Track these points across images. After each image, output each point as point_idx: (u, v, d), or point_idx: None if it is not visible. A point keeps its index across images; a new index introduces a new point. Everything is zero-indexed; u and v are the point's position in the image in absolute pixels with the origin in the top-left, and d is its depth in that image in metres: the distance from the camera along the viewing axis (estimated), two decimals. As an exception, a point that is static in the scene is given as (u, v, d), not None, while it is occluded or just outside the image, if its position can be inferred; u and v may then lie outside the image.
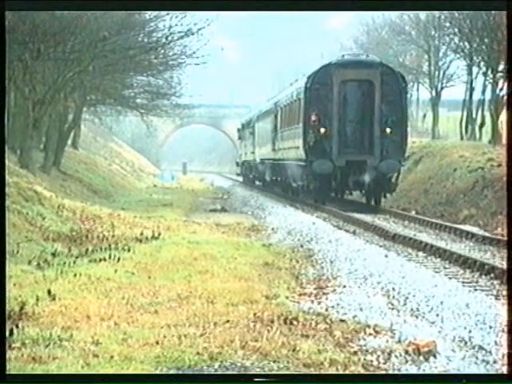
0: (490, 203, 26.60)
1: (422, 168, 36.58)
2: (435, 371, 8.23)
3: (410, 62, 57.35)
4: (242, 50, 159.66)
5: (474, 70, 44.86)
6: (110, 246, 15.85)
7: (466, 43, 42.08)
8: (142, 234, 17.93)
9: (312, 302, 11.59)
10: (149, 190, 44.51)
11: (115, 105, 45.72)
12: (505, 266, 14.10)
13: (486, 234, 20.87)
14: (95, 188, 35.35)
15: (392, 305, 11.48)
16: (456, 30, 42.03)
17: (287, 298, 11.64)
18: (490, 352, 8.90)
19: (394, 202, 32.57)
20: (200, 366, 8.11)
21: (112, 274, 12.49)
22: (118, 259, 13.93)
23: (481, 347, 9.10)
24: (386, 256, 16.67)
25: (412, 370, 8.24)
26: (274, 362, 8.28)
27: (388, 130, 28.17)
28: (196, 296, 11.21)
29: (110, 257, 14.09)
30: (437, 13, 43.95)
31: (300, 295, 12.11)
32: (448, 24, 43.77)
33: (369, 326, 9.82)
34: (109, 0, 10.86)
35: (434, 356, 8.66)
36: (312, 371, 8.04)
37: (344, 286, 12.92)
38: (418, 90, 61.06)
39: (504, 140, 34.33)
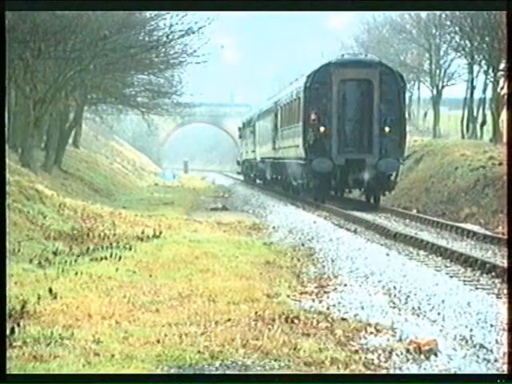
0: (491, 202, 26.61)
1: (423, 167, 36.58)
2: (436, 370, 8.23)
3: (411, 61, 57.35)
4: (243, 48, 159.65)
5: (475, 68, 44.89)
6: (111, 244, 15.85)
7: (467, 42, 42.08)
8: (143, 232, 17.93)
9: (313, 300, 11.59)
10: (150, 188, 44.51)
11: (116, 103, 45.74)
12: (506, 265, 14.11)
13: (487, 233, 20.87)
14: (96, 187, 35.36)
15: (393, 303, 11.48)
16: (457, 28, 42.06)
17: (288, 296, 11.64)
18: (491, 351, 8.90)
19: (395, 200, 32.59)
20: (201, 365, 8.10)
21: (113, 273, 12.50)
22: (120, 258, 13.93)
23: (482, 346, 9.09)
24: (387, 255, 16.67)
25: (413, 368, 8.24)
26: (275, 360, 8.28)
27: (387, 129, 28.35)
28: (197, 295, 11.21)
29: (111, 255, 14.10)
30: (437, 11, 43.96)
31: (301, 294, 12.11)
32: (449, 22, 43.79)
33: (370, 325, 9.82)
34: (109, 0, 10.86)
35: (435, 355, 8.65)
36: (313, 370, 8.04)
37: (345, 285, 12.92)
38: (419, 88, 61.09)
39: (505, 138, 34.32)
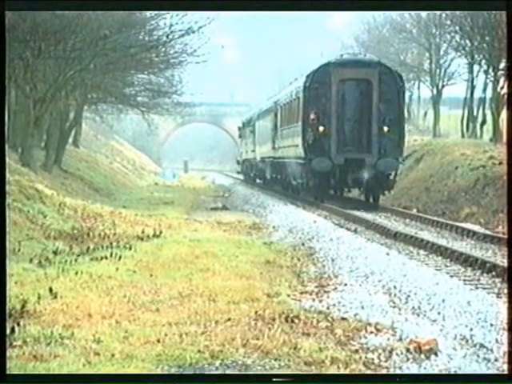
0: (491, 201, 26.60)
1: (423, 166, 36.57)
2: (436, 369, 8.23)
3: (411, 60, 57.34)
4: (243, 48, 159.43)
5: (475, 68, 44.88)
6: (111, 244, 15.84)
7: (467, 41, 42.07)
8: (143, 232, 17.93)
9: (313, 300, 11.59)
10: (150, 188, 44.50)
11: (116, 103, 45.73)
12: (506, 264, 14.10)
13: (488, 232, 20.86)
14: (96, 186, 35.35)
15: (393, 303, 11.48)
16: (457, 28, 42.05)
17: (288, 296, 11.64)
18: (492, 350, 8.91)
19: (396, 200, 32.59)
20: (201, 364, 8.11)
21: (113, 272, 12.49)
22: (120, 257, 13.93)
23: (482, 345, 9.10)
24: (388, 254, 16.67)
25: (413, 368, 8.24)
26: (276, 360, 8.28)
27: (386, 129, 28.47)
28: (197, 294, 11.21)
29: (111, 255, 14.09)
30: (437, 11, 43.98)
31: (301, 293, 12.11)
32: (449, 22, 43.78)
33: (370, 324, 9.82)
34: (108, 0, 10.85)
35: (435, 354, 8.66)
36: (313, 369, 8.04)
37: (345, 284, 12.92)
38: (419, 88, 61.07)
39: (505, 138, 34.31)
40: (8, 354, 7.99)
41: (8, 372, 7.60)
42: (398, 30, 55.43)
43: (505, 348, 8.86)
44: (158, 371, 7.87)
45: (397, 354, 8.61)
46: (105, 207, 23.37)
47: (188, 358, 8.21)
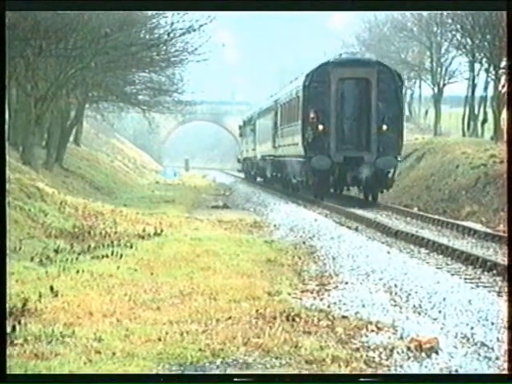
0: (492, 200, 26.60)
1: (424, 164, 36.57)
2: (437, 368, 8.22)
3: (412, 59, 57.35)
4: (244, 47, 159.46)
5: (476, 66, 44.89)
6: (112, 242, 15.86)
7: (468, 40, 42.05)
8: (144, 230, 17.94)
9: (314, 298, 11.59)
10: (151, 186, 44.49)
11: (117, 101, 45.75)
12: (507, 263, 14.10)
13: (489, 231, 20.84)
14: (97, 184, 35.37)
15: (394, 301, 11.48)
16: (458, 26, 42.04)
17: (289, 294, 11.64)
18: (492, 349, 8.90)
19: (396, 198, 32.59)
20: (202, 363, 8.11)
21: (114, 271, 12.50)
22: (121, 256, 13.94)
23: (483, 344, 9.09)
24: (389, 252, 16.66)
25: (414, 366, 8.23)
26: (276, 358, 8.28)
27: (384, 127, 28.59)
28: (198, 292, 11.21)
29: (112, 253, 14.10)
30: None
31: (302, 292, 12.11)
32: (450, 21, 43.80)
33: (371, 323, 9.82)
34: (108, 0, 10.84)
35: (436, 353, 8.65)
36: (314, 368, 8.04)
37: (346, 283, 12.92)
38: (420, 86, 61.12)
39: (506, 136, 34.30)
40: (9, 352, 8.00)
41: (9, 370, 7.60)
42: (399, 29, 55.45)
43: (505, 346, 8.86)
44: (159, 369, 7.87)
45: (398, 353, 8.61)
46: (106, 206, 23.37)
47: (189, 356, 8.21)
